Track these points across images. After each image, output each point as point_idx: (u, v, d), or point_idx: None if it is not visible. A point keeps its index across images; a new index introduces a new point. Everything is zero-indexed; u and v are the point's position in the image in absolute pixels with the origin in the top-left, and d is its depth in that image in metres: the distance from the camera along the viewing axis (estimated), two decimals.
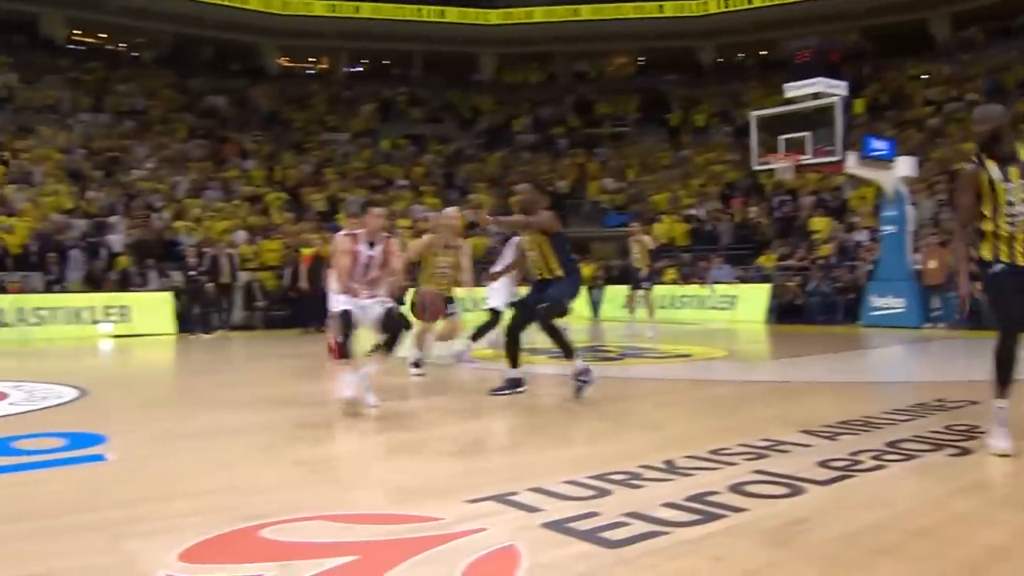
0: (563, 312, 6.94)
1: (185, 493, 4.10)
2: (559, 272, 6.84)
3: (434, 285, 8.78)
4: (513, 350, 7.09)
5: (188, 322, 17.36)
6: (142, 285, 18.33)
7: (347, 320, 6.46)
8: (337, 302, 6.61)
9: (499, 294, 10.34)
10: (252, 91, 32.77)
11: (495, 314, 10.39)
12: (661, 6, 34.56)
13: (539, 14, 35.20)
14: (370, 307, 6.60)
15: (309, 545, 3.22)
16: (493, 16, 35.17)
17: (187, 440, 5.61)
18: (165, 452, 5.21)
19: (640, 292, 15.67)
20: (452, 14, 34.89)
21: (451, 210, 8.85)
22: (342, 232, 7.00)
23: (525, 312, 7.06)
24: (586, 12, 35.08)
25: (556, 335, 6.71)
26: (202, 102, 31.23)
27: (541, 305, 6.73)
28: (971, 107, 25.58)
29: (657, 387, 8.38)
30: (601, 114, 35.03)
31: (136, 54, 33.10)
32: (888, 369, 10.87)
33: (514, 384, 7.09)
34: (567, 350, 6.76)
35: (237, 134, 29.78)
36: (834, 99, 15.38)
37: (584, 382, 6.69)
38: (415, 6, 34.69)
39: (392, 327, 6.52)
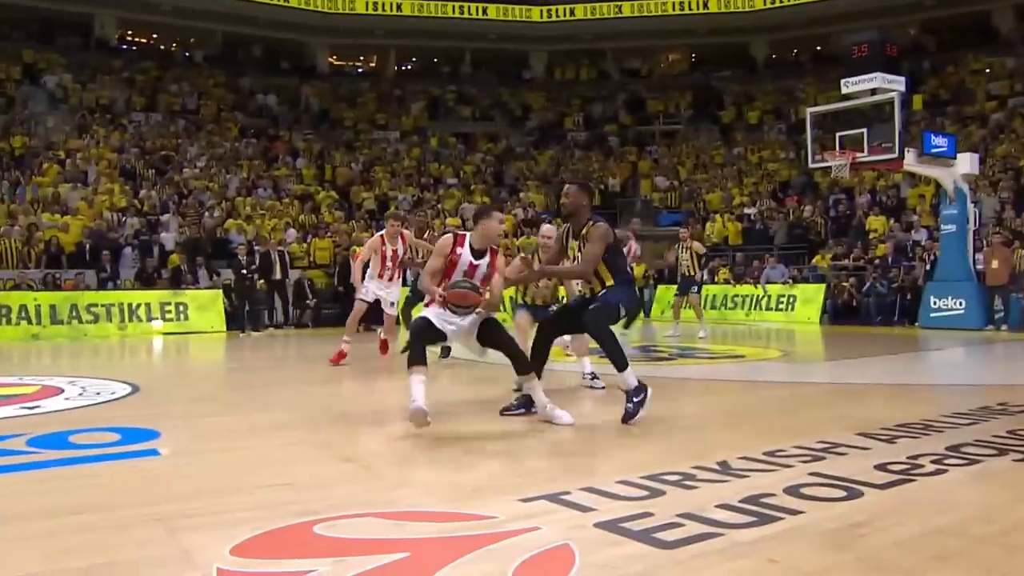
0: (616, 317, 6.14)
1: (238, 488, 4.16)
2: (610, 281, 6.13)
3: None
4: (540, 356, 6.26)
5: (238, 319, 17.63)
6: (193, 283, 18.69)
7: (428, 331, 5.76)
8: (426, 312, 5.86)
9: None
10: (302, 90, 33.15)
11: None
12: (707, 1, 34.22)
13: (580, 11, 35.03)
14: (460, 323, 5.85)
15: (360, 542, 3.25)
16: (536, 13, 35.13)
17: (239, 436, 5.71)
18: (217, 448, 5.31)
19: (686, 298, 15.61)
20: (494, 11, 34.88)
21: (548, 228, 8.28)
22: (448, 233, 6.36)
23: (564, 316, 6.55)
24: (628, 9, 34.87)
25: (608, 342, 5.83)
26: (253, 101, 31.70)
27: (593, 306, 6.00)
28: None
29: (709, 388, 8.31)
30: (653, 111, 34.83)
31: (188, 53, 33.64)
32: (948, 371, 10.67)
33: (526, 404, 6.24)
34: (620, 362, 5.84)
35: (287, 133, 30.18)
36: (892, 95, 15.15)
37: (638, 404, 5.79)
38: (458, 2, 34.76)
39: (502, 343, 5.97)
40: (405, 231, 10.72)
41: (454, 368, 9.67)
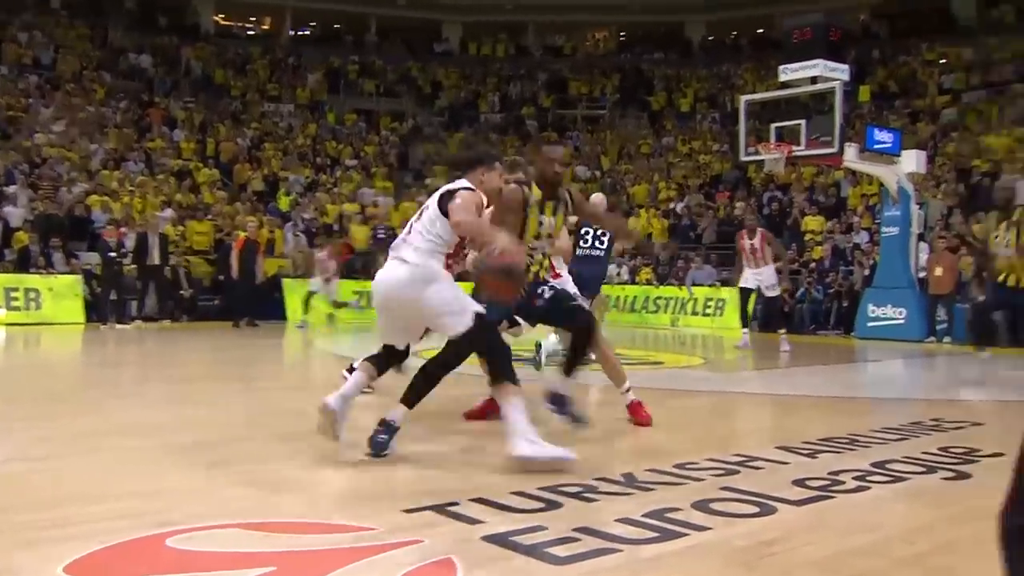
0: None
1: (85, 498, 4.08)
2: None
3: None
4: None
5: (100, 310, 17.16)
6: (46, 266, 17.99)
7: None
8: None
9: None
10: (182, 51, 32.48)
11: None
12: None
13: None
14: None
15: (218, 555, 3.22)
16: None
17: (94, 440, 5.58)
18: (66, 453, 5.18)
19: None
20: None
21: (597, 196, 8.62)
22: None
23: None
24: None
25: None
26: (124, 60, 30.84)
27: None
28: (996, 96, 25.97)
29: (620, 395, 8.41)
30: (576, 94, 35.18)
31: None
32: (881, 384, 11.03)
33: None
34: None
35: (164, 99, 29.47)
36: (834, 84, 15.49)
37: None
38: None
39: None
40: None
41: None
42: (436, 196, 5.11)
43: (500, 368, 4.85)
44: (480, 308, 4.91)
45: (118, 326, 16.52)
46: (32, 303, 17.01)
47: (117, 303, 17.18)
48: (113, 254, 17.04)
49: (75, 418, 6.53)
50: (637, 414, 6.25)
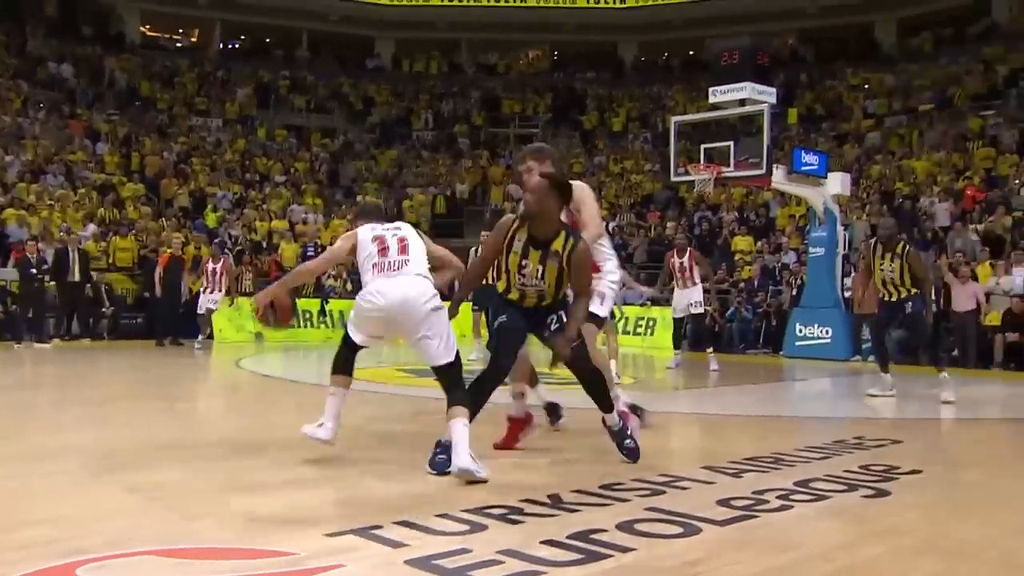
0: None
1: None
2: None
3: None
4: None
5: (15, 328, 16.73)
6: None
7: None
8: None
9: None
10: (106, 61, 31.95)
11: None
12: None
13: None
14: None
15: None
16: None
17: (1, 465, 5.42)
18: None
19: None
20: None
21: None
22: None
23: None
24: None
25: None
26: (43, 69, 30.24)
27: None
28: (916, 120, 26.77)
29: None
30: (509, 112, 35.38)
31: None
32: (807, 403, 11.21)
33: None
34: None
35: (86, 111, 28.98)
36: (762, 107, 15.78)
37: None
38: None
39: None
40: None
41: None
42: (408, 226, 5.68)
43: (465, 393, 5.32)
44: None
45: (36, 345, 16.12)
46: None
47: (35, 321, 16.76)
48: (34, 270, 16.61)
49: None
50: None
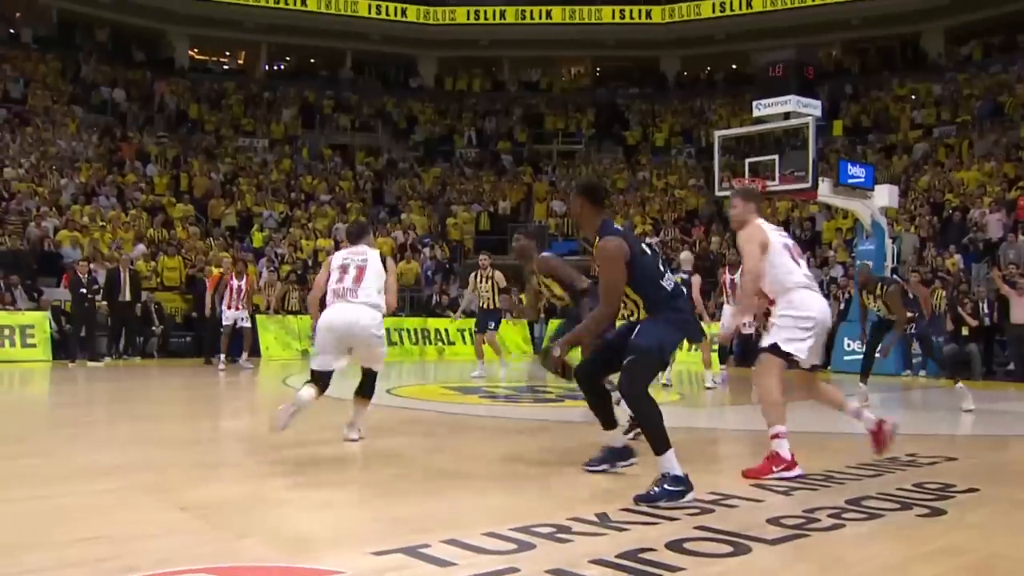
0: (657, 364, 5.42)
1: (44, 543, 3.98)
2: (643, 312, 5.36)
3: None
4: (597, 403, 5.88)
5: (68, 347, 16.94)
6: (11, 303, 17.73)
7: None
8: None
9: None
10: (157, 86, 32.47)
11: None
12: (622, 11, 34.94)
13: (473, 14, 35.43)
14: None
15: None
16: (421, 13, 35.22)
17: (53, 482, 5.46)
18: (25, 496, 5.05)
19: (484, 336, 15.37)
20: (392, 10, 34.90)
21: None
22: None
23: (605, 355, 5.69)
24: (537, 14, 35.37)
25: (644, 414, 5.13)
26: (96, 94, 30.83)
27: (627, 360, 5.16)
28: (965, 130, 26.42)
29: (596, 431, 8.37)
30: (551, 129, 35.38)
31: (13, 31, 32.33)
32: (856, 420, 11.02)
33: (617, 456, 5.88)
34: (658, 442, 5.04)
35: (137, 134, 29.47)
36: (807, 120, 15.66)
37: (663, 493, 4.82)
38: None
39: None
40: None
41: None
42: (375, 254, 6.86)
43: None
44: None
45: (89, 364, 16.30)
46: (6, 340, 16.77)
47: (88, 340, 16.98)
48: (84, 290, 16.82)
49: (30, 459, 6.40)
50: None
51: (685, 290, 8.59)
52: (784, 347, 5.93)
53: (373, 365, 6.93)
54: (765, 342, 6.08)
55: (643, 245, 5.50)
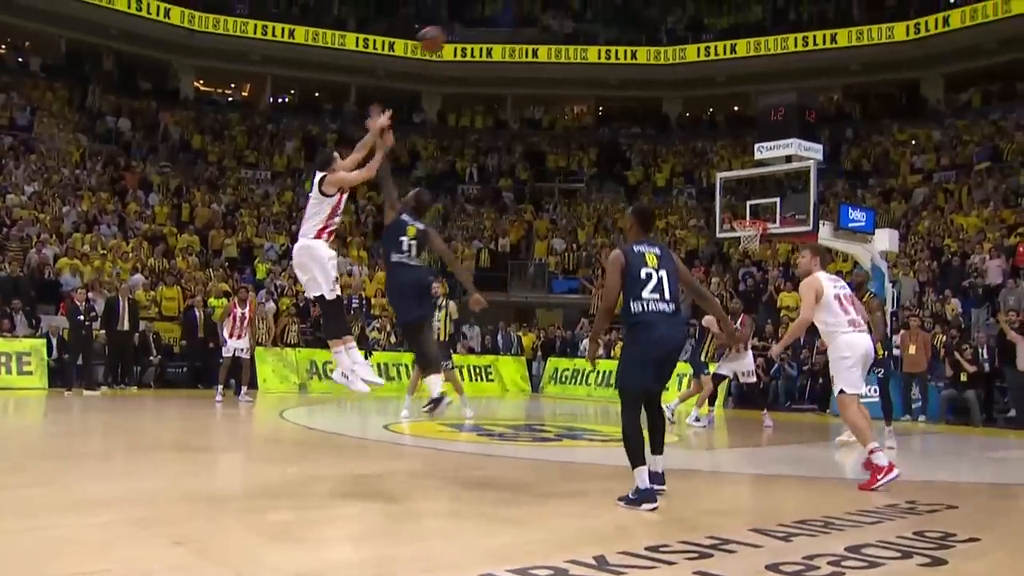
0: (629, 394, 6.24)
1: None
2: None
3: None
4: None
5: (65, 375, 16.87)
6: (9, 329, 17.70)
7: None
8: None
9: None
10: (161, 115, 32.60)
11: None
12: (628, 52, 35.14)
13: (495, 52, 35.57)
14: None
15: None
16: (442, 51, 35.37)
17: (48, 514, 5.42)
18: (16, 528, 5.02)
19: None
20: (399, 47, 35.05)
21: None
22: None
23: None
24: (544, 54, 35.54)
25: (625, 435, 6.13)
26: (101, 123, 30.96)
27: None
28: (964, 176, 26.54)
29: (595, 472, 8.35)
30: (553, 167, 35.46)
31: (21, 59, 32.55)
32: (856, 464, 10.95)
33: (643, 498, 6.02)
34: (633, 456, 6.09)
35: (140, 163, 29.53)
36: (808, 163, 15.71)
37: (634, 501, 5.95)
38: (356, 34, 34.88)
39: None
40: None
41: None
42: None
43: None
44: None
45: (85, 392, 16.21)
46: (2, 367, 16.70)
47: (84, 368, 16.91)
48: (82, 318, 16.76)
49: (26, 489, 6.34)
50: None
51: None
52: (848, 390, 7.66)
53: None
54: (835, 388, 7.88)
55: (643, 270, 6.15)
